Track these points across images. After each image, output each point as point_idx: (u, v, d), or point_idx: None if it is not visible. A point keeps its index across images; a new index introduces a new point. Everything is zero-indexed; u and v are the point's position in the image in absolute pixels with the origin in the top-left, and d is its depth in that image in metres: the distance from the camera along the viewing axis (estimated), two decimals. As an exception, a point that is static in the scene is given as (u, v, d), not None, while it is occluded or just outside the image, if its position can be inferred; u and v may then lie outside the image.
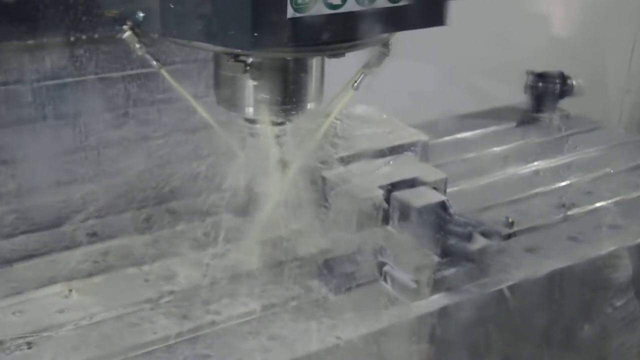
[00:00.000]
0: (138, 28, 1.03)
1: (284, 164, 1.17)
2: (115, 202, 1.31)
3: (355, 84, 1.15)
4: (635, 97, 2.96)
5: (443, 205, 1.23)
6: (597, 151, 1.78)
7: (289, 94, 1.09)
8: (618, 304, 1.41)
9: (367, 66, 1.13)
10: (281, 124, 1.13)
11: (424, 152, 1.41)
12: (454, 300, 1.17)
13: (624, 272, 1.38)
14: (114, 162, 1.31)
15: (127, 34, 1.04)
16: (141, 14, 1.01)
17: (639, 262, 1.39)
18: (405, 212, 1.24)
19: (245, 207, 1.24)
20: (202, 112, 1.17)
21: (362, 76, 1.14)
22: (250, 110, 1.10)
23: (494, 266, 1.24)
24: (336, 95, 1.19)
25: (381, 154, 1.36)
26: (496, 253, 1.27)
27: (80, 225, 1.28)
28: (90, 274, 1.18)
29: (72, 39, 1.21)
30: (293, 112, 1.10)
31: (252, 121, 1.13)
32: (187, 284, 1.16)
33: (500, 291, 1.22)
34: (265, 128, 1.12)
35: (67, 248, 1.24)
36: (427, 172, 1.33)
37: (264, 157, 1.16)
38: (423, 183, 1.29)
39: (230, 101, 1.12)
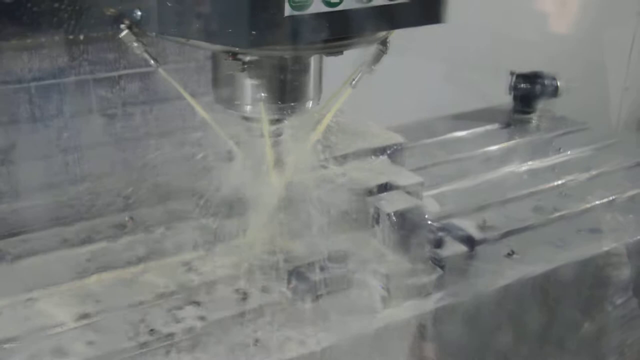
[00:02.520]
0: (136, 27, 1.02)
1: (280, 164, 1.16)
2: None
3: (353, 82, 1.14)
4: (634, 95, 2.96)
5: (417, 211, 1.21)
6: (580, 153, 1.77)
7: (287, 93, 1.08)
8: (618, 301, 1.41)
9: (365, 64, 1.13)
10: (279, 122, 1.13)
11: (401, 155, 1.39)
12: (427, 308, 1.15)
13: (622, 271, 1.37)
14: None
15: (125, 32, 1.03)
16: (139, 13, 1.00)
17: (630, 263, 1.38)
18: (377, 218, 1.22)
19: (234, 209, 1.23)
20: (200, 110, 1.16)
21: (360, 74, 1.14)
22: (248, 109, 1.10)
23: (468, 272, 1.22)
24: (334, 94, 1.19)
25: (356, 157, 1.34)
26: (471, 258, 1.25)
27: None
28: (57, 281, 1.14)
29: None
30: (291, 111, 1.10)
31: (250, 120, 1.13)
32: (159, 290, 1.13)
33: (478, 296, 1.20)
34: (263, 126, 1.12)
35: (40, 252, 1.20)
36: (402, 176, 1.31)
37: (261, 156, 1.15)
38: (397, 187, 1.27)
39: (228, 100, 1.11)
